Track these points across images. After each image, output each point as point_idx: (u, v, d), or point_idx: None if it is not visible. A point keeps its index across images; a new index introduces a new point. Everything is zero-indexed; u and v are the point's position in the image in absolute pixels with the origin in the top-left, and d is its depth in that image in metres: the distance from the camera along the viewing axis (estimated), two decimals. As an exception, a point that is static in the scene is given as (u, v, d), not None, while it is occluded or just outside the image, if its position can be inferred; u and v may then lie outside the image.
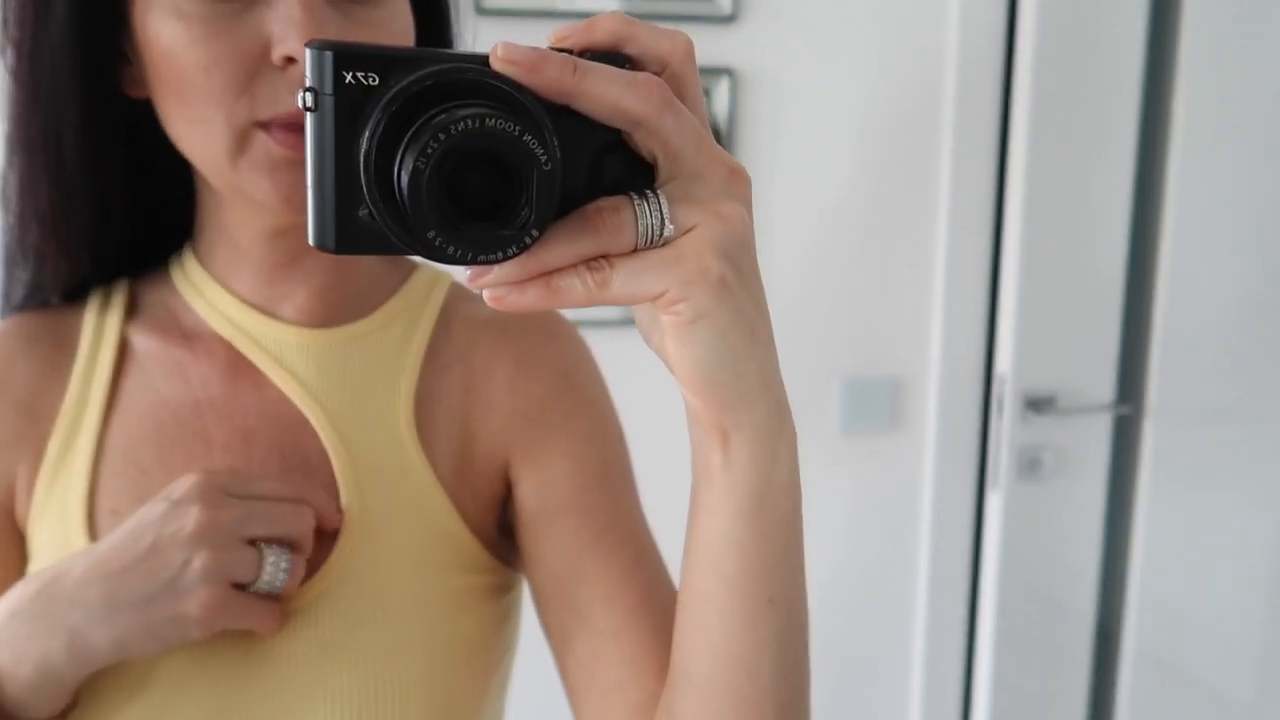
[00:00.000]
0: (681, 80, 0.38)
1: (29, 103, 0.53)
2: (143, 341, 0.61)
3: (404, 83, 0.33)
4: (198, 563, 0.50)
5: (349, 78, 0.33)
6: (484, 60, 0.34)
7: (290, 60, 0.47)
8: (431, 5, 0.59)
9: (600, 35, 0.37)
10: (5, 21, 0.53)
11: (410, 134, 0.33)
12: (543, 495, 0.60)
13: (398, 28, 0.53)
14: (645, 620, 0.55)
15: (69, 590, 0.50)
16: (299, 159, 0.49)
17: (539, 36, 0.37)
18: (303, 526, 0.53)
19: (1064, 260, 1.66)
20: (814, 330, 1.63)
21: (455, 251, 0.33)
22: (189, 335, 0.60)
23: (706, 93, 1.48)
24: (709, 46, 1.50)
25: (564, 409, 0.62)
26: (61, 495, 0.57)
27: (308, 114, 0.34)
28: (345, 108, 0.34)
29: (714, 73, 1.50)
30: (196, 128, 0.51)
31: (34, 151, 0.55)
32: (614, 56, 0.37)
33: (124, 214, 0.59)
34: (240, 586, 0.52)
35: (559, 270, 0.36)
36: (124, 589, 0.49)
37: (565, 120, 0.35)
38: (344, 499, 0.57)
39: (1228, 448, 1.80)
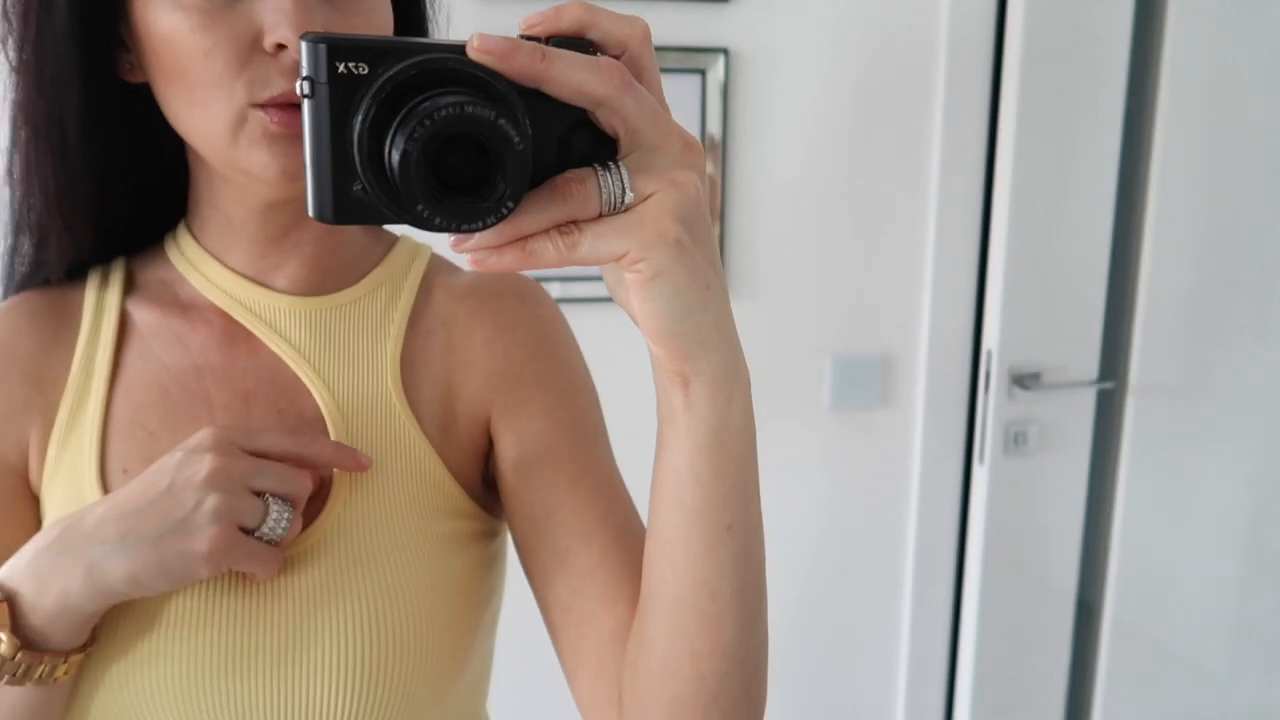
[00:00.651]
0: (639, 62, 0.42)
1: (33, 90, 0.56)
2: (142, 314, 0.64)
3: (391, 72, 0.37)
4: (209, 504, 0.53)
5: (341, 67, 0.37)
6: (461, 49, 0.38)
7: (281, 46, 0.51)
8: None
9: (566, 22, 0.41)
10: (8, 13, 0.56)
11: (399, 119, 0.37)
12: (522, 447, 0.64)
13: (379, 17, 0.57)
14: (618, 556, 0.60)
15: (89, 528, 0.53)
16: (292, 135, 0.53)
17: (516, 15, 0.41)
18: (302, 489, 0.57)
19: (1050, 241, 1.68)
20: (805, 308, 1.65)
21: (441, 222, 0.38)
22: (186, 306, 0.64)
23: (703, 71, 1.51)
24: (705, 26, 1.52)
25: (540, 369, 0.66)
26: (73, 458, 0.60)
27: (305, 100, 0.38)
28: (338, 94, 0.38)
29: (710, 52, 1.52)
30: (197, 110, 0.54)
31: (39, 136, 0.57)
32: (578, 42, 0.41)
33: (123, 193, 0.62)
34: (246, 532, 0.55)
35: (533, 235, 0.40)
36: (140, 526, 0.53)
37: (536, 101, 0.39)
38: None
39: (1205, 423, 1.84)
